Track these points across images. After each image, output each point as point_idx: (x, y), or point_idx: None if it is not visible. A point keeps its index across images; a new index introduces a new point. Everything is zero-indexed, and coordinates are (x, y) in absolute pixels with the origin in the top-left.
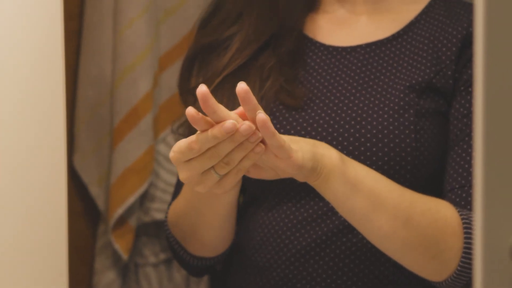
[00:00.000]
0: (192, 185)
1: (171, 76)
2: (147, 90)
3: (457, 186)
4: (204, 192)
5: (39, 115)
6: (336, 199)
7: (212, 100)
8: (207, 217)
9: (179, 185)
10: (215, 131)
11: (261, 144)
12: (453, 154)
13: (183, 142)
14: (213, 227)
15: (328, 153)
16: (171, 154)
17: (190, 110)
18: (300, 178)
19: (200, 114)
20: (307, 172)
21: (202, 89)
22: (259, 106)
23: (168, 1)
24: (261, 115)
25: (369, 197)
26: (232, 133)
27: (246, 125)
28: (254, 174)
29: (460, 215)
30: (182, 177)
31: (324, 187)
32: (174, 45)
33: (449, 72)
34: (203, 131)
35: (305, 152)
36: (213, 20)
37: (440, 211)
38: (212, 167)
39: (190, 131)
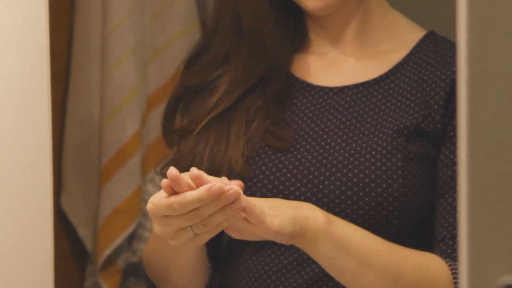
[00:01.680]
0: (165, 239)
1: (159, 116)
2: (135, 130)
3: (448, 236)
4: (176, 246)
5: (25, 157)
6: (324, 261)
7: (184, 181)
8: (176, 264)
9: None
10: (201, 195)
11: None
12: (443, 202)
13: (163, 200)
14: (183, 273)
15: (312, 215)
16: (149, 206)
17: (172, 171)
18: (284, 242)
19: (181, 176)
20: (287, 237)
21: (172, 172)
22: (212, 179)
23: (156, 41)
24: (229, 185)
25: (358, 257)
26: (218, 196)
27: (233, 190)
28: (237, 235)
29: (451, 268)
30: (157, 230)
31: (311, 249)
32: (162, 84)
33: (438, 117)
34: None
35: (284, 217)
36: (199, 61)
37: (430, 266)
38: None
39: None
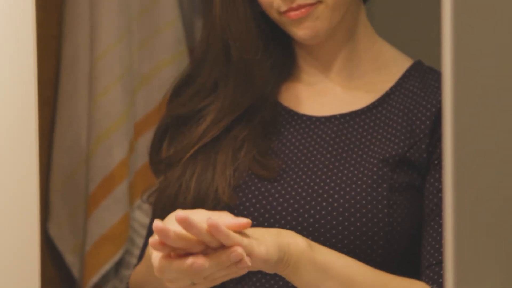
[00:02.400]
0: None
1: (147, 143)
2: (123, 157)
3: (434, 262)
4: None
5: (12, 183)
6: (308, 287)
7: (171, 231)
8: None
9: (145, 248)
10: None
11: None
12: (429, 229)
13: (171, 268)
14: None
15: (294, 241)
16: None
17: (158, 224)
18: (269, 270)
19: (169, 229)
20: (273, 264)
21: (158, 225)
22: (203, 226)
23: (143, 68)
24: (211, 220)
25: (341, 282)
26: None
27: (236, 252)
28: None
29: None
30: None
31: (294, 276)
32: (150, 111)
33: (423, 146)
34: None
35: (269, 245)
36: (186, 90)
37: None
38: None
39: (159, 201)
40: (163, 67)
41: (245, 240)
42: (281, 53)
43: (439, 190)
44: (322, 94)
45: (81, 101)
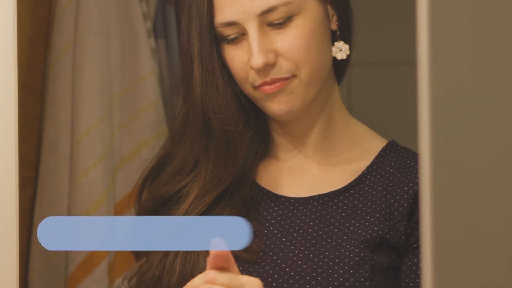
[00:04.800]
0: None
1: None
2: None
3: None
4: None
5: None
6: None
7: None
8: None
9: None
10: None
11: None
12: None
13: None
14: None
15: None
16: None
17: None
18: None
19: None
20: None
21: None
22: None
23: (124, 148)
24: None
25: None
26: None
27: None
28: None
29: None
30: None
31: None
32: (129, 191)
33: (401, 228)
34: None
35: None
36: (166, 170)
37: None
38: None
39: (141, 283)
40: (143, 147)
41: None
42: (257, 130)
43: (417, 275)
44: (299, 174)
45: (62, 181)
